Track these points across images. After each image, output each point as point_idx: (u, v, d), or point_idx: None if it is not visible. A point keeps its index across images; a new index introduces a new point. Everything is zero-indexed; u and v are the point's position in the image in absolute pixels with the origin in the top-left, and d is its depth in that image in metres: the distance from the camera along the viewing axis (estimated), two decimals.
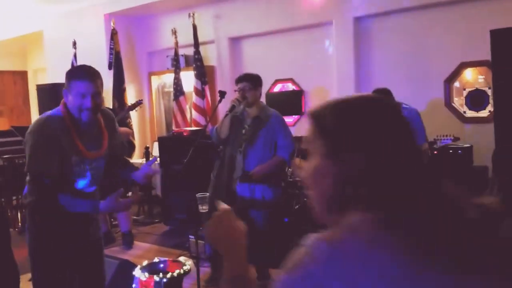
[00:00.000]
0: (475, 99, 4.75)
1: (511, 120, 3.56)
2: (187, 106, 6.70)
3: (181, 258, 3.02)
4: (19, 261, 2.75)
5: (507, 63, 3.54)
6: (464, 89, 4.82)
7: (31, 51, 9.45)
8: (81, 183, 2.39)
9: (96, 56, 6.98)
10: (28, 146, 2.25)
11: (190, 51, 6.56)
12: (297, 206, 4.49)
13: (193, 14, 6.36)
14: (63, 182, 2.30)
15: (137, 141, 6.92)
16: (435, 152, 4.19)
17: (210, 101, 6.40)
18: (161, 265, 2.68)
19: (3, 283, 2.57)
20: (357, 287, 0.73)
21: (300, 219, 4.30)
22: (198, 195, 2.52)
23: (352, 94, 0.93)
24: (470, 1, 4.67)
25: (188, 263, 2.81)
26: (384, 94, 3.90)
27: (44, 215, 2.33)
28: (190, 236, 4.18)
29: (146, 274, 2.53)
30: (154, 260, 2.73)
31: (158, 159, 5.49)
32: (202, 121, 6.23)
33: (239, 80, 3.62)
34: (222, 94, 3.80)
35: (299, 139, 4.79)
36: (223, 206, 1.13)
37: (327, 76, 5.66)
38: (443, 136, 3.77)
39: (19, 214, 5.78)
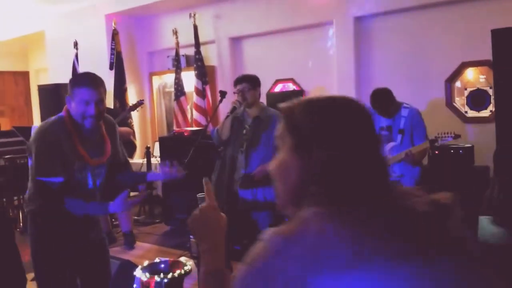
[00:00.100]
0: (476, 99, 4.74)
1: None
2: (188, 106, 6.70)
3: (182, 259, 3.03)
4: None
5: (508, 62, 3.53)
6: (465, 89, 4.82)
7: (33, 51, 9.46)
8: (83, 189, 2.41)
9: (97, 56, 7.00)
10: (32, 153, 2.28)
11: (191, 51, 6.57)
12: None
13: (194, 14, 6.36)
14: (70, 186, 2.31)
15: (138, 141, 6.93)
16: (436, 152, 4.19)
17: (211, 101, 6.40)
18: (162, 265, 2.68)
19: (10, 284, 2.58)
20: (308, 278, 0.77)
21: None
22: (199, 195, 2.51)
23: (324, 95, 0.97)
24: (470, 1, 4.67)
25: (189, 264, 2.81)
26: (384, 94, 3.91)
27: (46, 217, 2.34)
28: (191, 236, 4.16)
29: (147, 275, 2.53)
30: (155, 261, 2.73)
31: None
32: (203, 121, 6.23)
33: (237, 81, 3.63)
34: (223, 94, 3.81)
35: None
36: (209, 200, 1.16)
37: (328, 76, 5.66)
38: (444, 133, 3.76)
39: (20, 214, 5.79)
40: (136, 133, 6.86)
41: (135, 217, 5.93)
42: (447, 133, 3.77)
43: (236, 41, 6.49)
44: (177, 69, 6.58)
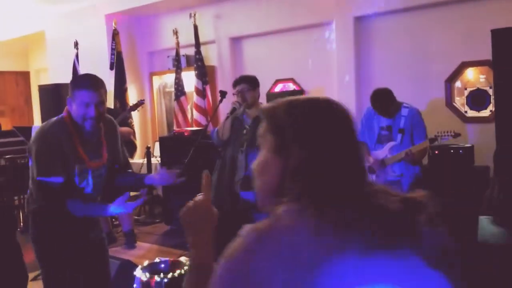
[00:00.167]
0: (476, 98, 4.74)
1: None
2: (188, 106, 6.71)
3: (182, 258, 3.03)
4: None
5: (508, 62, 3.53)
6: (465, 89, 4.82)
7: (33, 51, 9.47)
8: (85, 191, 2.41)
9: (97, 57, 7.01)
10: (33, 153, 2.28)
11: (191, 51, 6.57)
12: None
13: (194, 14, 6.37)
14: (71, 187, 2.31)
15: (138, 141, 6.93)
16: (436, 152, 4.19)
17: (211, 101, 6.41)
18: (162, 265, 2.68)
19: (11, 283, 2.59)
20: (282, 273, 0.81)
21: None
22: (199, 195, 2.52)
23: (308, 96, 1.01)
24: (470, 1, 4.67)
25: (189, 263, 2.82)
26: (385, 94, 3.90)
27: (47, 217, 2.35)
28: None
29: (147, 274, 2.53)
30: (155, 260, 2.74)
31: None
32: (203, 121, 6.23)
33: (236, 82, 3.63)
34: (223, 94, 3.81)
35: None
36: (205, 194, 1.19)
37: (328, 76, 5.67)
38: (444, 132, 3.76)
39: (21, 214, 5.80)
40: (136, 133, 6.86)
41: (136, 217, 5.93)
42: (447, 132, 3.77)
43: (236, 41, 6.49)
44: (177, 69, 6.58)
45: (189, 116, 6.70)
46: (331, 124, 0.94)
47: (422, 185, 3.97)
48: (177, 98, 6.60)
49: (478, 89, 4.73)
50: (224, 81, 6.39)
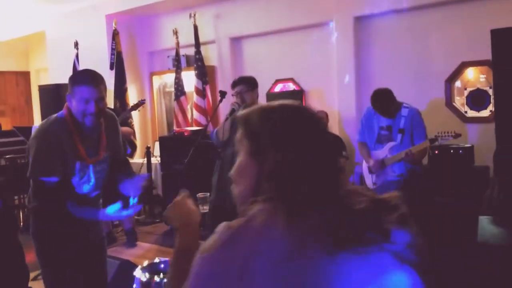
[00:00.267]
0: (476, 98, 4.74)
1: None
2: (188, 106, 6.71)
3: None
4: None
5: (508, 62, 3.52)
6: (465, 89, 4.81)
7: (33, 51, 9.47)
8: (85, 188, 2.41)
9: (97, 57, 7.01)
10: (32, 150, 2.27)
11: (191, 51, 6.57)
12: None
13: (194, 14, 6.37)
14: (66, 187, 2.31)
15: (138, 141, 6.94)
16: (436, 152, 4.18)
17: (211, 101, 6.41)
18: (162, 265, 2.68)
19: (12, 282, 2.59)
20: (252, 268, 0.86)
21: None
22: (199, 195, 2.52)
23: (279, 101, 1.05)
24: (470, 1, 4.67)
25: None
26: (385, 94, 3.90)
27: (46, 216, 2.35)
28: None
29: (147, 275, 2.53)
30: (154, 260, 2.73)
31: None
32: (203, 121, 6.24)
33: (235, 84, 3.64)
34: (223, 94, 3.81)
35: None
36: (183, 193, 1.36)
37: (328, 76, 5.66)
38: (444, 132, 3.76)
39: (21, 213, 5.80)
40: (136, 132, 6.87)
41: (136, 217, 5.93)
42: (447, 132, 3.76)
43: (236, 41, 6.49)
44: (177, 69, 6.58)
45: (189, 116, 6.71)
46: (303, 128, 0.98)
47: (422, 185, 3.97)
48: (177, 98, 6.60)
49: (478, 89, 4.73)
50: (224, 81, 6.39)
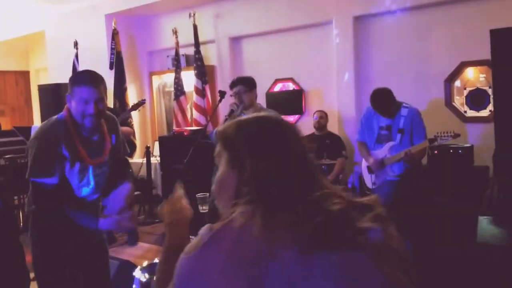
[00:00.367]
0: (476, 98, 4.74)
1: (511, 119, 3.55)
2: (188, 106, 6.71)
3: None
4: None
5: (507, 62, 3.52)
6: (465, 89, 4.81)
7: (33, 51, 9.47)
8: (84, 191, 2.39)
9: (97, 56, 7.01)
10: (31, 151, 2.26)
11: (190, 51, 6.57)
12: None
13: (194, 14, 6.37)
14: (64, 189, 2.30)
15: (138, 141, 6.94)
16: (435, 151, 4.18)
17: (210, 101, 6.41)
18: None
19: (13, 283, 2.59)
20: (231, 268, 0.92)
21: None
22: (198, 195, 2.51)
23: (255, 114, 1.14)
24: (470, 1, 4.67)
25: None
26: (385, 94, 3.90)
27: (45, 220, 2.34)
28: (190, 237, 4.18)
29: (146, 275, 2.53)
30: (154, 261, 2.73)
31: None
32: (202, 120, 6.24)
33: (233, 84, 3.63)
34: (222, 94, 3.81)
35: None
36: (178, 191, 1.42)
37: (327, 76, 5.67)
38: (443, 132, 3.76)
39: (21, 213, 5.80)
40: (136, 132, 6.86)
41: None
42: (447, 133, 3.76)
43: (235, 41, 6.49)
44: (177, 68, 6.58)
45: (188, 115, 6.71)
46: (276, 137, 1.06)
47: (421, 185, 3.97)
48: (177, 97, 6.60)
49: (477, 89, 4.73)
50: (223, 81, 6.39)
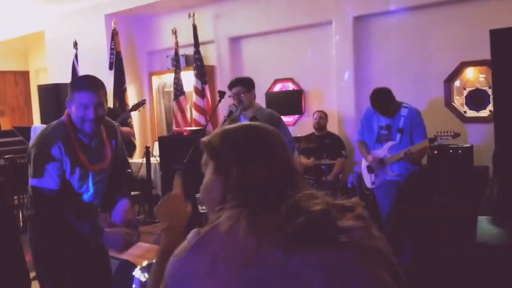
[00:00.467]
0: (476, 98, 4.74)
1: (511, 120, 3.55)
2: (187, 106, 6.71)
3: None
4: None
5: (507, 62, 3.53)
6: (465, 89, 4.81)
7: (33, 51, 9.46)
8: (84, 197, 2.39)
9: (97, 56, 7.01)
10: (31, 157, 2.25)
11: (190, 51, 6.57)
12: None
13: (193, 14, 6.36)
14: (66, 194, 2.29)
15: (137, 141, 6.94)
16: (435, 151, 4.18)
17: (210, 101, 6.41)
18: None
19: (14, 284, 2.58)
20: (219, 269, 0.95)
21: None
22: (198, 195, 2.52)
23: (238, 123, 1.21)
24: (470, 1, 4.67)
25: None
26: (384, 94, 3.90)
27: (44, 225, 2.32)
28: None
29: (146, 275, 2.53)
30: (154, 260, 2.73)
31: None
32: (202, 120, 6.24)
33: (232, 85, 3.63)
34: (222, 94, 3.80)
35: (299, 138, 4.79)
36: (176, 188, 1.41)
37: (327, 76, 5.67)
38: (443, 132, 3.76)
39: (20, 213, 5.79)
40: (135, 132, 6.86)
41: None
42: (446, 132, 3.76)
43: (235, 41, 6.49)
44: (177, 69, 6.58)
45: (188, 115, 6.71)
46: (260, 145, 1.11)
47: (421, 185, 3.97)
48: (176, 98, 6.60)
49: (477, 89, 4.73)
50: (223, 81, 6.39)
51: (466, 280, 3.02)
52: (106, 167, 2.43)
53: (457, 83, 4.88)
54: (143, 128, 7.46)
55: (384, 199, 4.06)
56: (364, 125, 4.17)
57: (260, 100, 5.42)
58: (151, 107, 7.44)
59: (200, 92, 6.30)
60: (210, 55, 6.68)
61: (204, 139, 1.17)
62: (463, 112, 4.82)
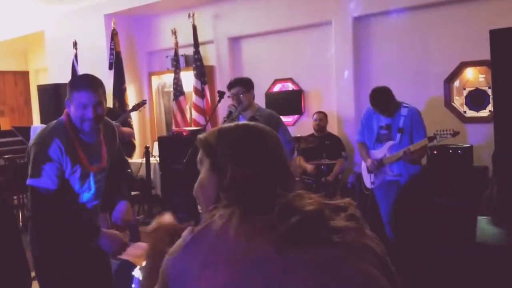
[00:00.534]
0: (475, 98, 4.74)
1: (511, 120, 3.55)
2: (187, 106, 6.71)
3: None
4: None
5: (507, 63, 3.52)
6: (464, 89, 4.82)
7: (33, 51, 9.46)
8: (85, 196, 2.38)
9: (96, 56, 7.01)
10: (30, 157, 2.25)
11: (189, 51, 6.57)
12: None
13: (193, 14, 6.36)
14: (65, 195, 2.28)
15: (137, 141, 6.93)
16: (435, 152, 4.18)
17: (209, 101, 6.41)
18: None
19: (14, 284, 2.58)
20: (209, 269, 0.97)
21: None
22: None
23: (235, 122, 1.21)
24: (469, 1, 4.67)
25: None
26: (384, 92, 3.90)
27: (43, 224, 2.32)
28: None
29: None
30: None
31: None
32: (201, 120, 6.24)
33: (231, 85, 3.63)
34: (221, 94, 3.81)
35: (299, 139, 4.80)
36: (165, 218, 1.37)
37: (327, 76, 5.67)
38: (442, 131, 3.76)
39: (20, 213, 5.79)
40: (135, 132, 6.85)
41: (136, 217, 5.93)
42: (445, 131, 3.77)
43: (235, 41, 6.49)
44: (176, 69, 6.58)
45: (187, 116, 6.71)
46: (256, 144, 1.12)
47: (420, 184, 3.98)
48: (176, 98, 6.60)
49: (477, 89, 4.73)
50: (222, 81, 6.38)
51: (466, 280, 3.02)
52: (104, 167, 2.43)
53: (456, 83, 4.88)
54: (143, 128, 7.46)
55: (384, 199, 4.06)
56: (364, 125, 4.17)
57: (260, 100, 5.41)
58: (151, 107, 7.44)
59: (199, 92, 6.30)
60: (209, 55, 6.68)
61: (201, 136, 1.18)
62: (462, 112, 4.82)
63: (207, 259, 0.98)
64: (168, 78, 7.14)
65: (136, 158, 6.71)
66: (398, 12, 5.10)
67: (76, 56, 7.02)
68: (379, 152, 4.01)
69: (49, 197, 2.23)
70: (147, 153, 6.18)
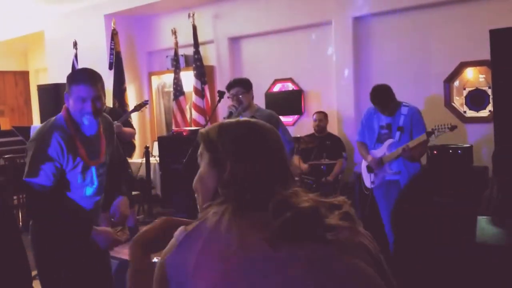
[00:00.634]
0: (475, 98, 4.74)
1: (511, 120, 3.55)
2: (187, 106, 6.71)
3: None
4: None
5: (507, 62, 3.52)
6: (464, 89, 4.82)
7: (33, 51, 9.46)
8: (88, 191, 2.38)
9: (96, 56, 7.00)
10: (29, 153, 2.25)
11: (189, 51, 6.57)
12: None
13: (193, 14, 6.36)
14: (61, 192, 2.28)
15: (137, 141, 6.93)
16: (435, 152, 4.18)
17: (209, 101, 6.41)
18: None
19: (14, 284, 2.58)
20: (203, 267, 0.97)
21: None
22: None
23: (237, 118, 1.22)
24: (469, 1, 4.67)
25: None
26: (384, 90, 3.90)
27: (41, 220, 2.32)
28: None
29: None
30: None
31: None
32: (201, 120, 6.24)
33: (230, 86, 3.64)
34: (221, 94, 3.81)
35: (298, 139, 4.80)
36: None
37: (327, 76, 5.67)
38: (440, 125, 3.77)
39: (20, 213, 5.79)
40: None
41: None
42: (443, 125, 3.77)
43: (235, 41, 6.49)
44: (176, 69, 6.58)
45: (187, 116, 6.71)
46: (257, 141, 1.12)
47: (420, 184, 3.97)
48: (176, 98, 6.60)
49: (477, 89, 4.73)
50: (222, 81, 6.38)
51: (466, 280, 3.02)
52: (103, 161, 2.43)
53: (456, 83, 4.88)
54: (143, 128, 7.46)
55: (384, 199, 4.06)
56: (364, 125, 4.17)
57: (260, 100, 5.42)
58: (151, 107, 7.44)
59: (199, 92, 6.30)
60: (209, 55, 6.68)
61: (202, 130, 1.18)
62: (462, 112, 4.82)
63: (201, 255, 0.98)
64: (168, 78, 7.14)
65: (136, 158, 6.71)
66: (398, 12, 5.10)
67: (76, 56, 7.03)
68: (379, 151, 4.01)
69: (44, 194, 2.23)
70: (147, 153, 6.18)
